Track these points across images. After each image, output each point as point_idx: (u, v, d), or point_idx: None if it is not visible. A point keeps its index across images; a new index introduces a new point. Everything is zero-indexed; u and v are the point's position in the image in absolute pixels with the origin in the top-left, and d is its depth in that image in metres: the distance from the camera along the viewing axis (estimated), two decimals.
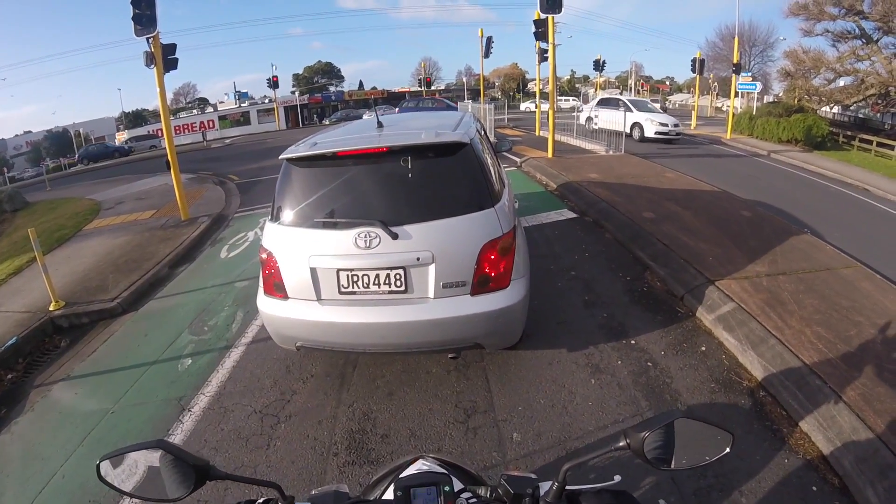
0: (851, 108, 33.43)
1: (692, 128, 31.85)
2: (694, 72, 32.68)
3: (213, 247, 9.01)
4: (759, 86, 34.23)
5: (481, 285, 3.53)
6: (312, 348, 3.94)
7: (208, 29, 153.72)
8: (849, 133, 29.18)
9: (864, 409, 3.50)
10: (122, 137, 59.83)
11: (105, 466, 1.22)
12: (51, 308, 6.85)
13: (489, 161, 4.46)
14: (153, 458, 1.18)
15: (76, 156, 48.56)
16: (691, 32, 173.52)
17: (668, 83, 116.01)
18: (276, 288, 3.83)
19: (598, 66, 45.31)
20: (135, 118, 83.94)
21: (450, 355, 4.08)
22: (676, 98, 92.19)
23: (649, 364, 4.30)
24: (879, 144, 26.26)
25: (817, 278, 5.82)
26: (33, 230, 7.06)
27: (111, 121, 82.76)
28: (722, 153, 20.95)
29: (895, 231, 11.35)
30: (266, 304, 3.91)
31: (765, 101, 37.95)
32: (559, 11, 13.63)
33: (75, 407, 4.75)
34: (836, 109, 35.47)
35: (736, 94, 32.07)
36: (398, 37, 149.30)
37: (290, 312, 3.75)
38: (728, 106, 33.46)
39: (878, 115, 36.47)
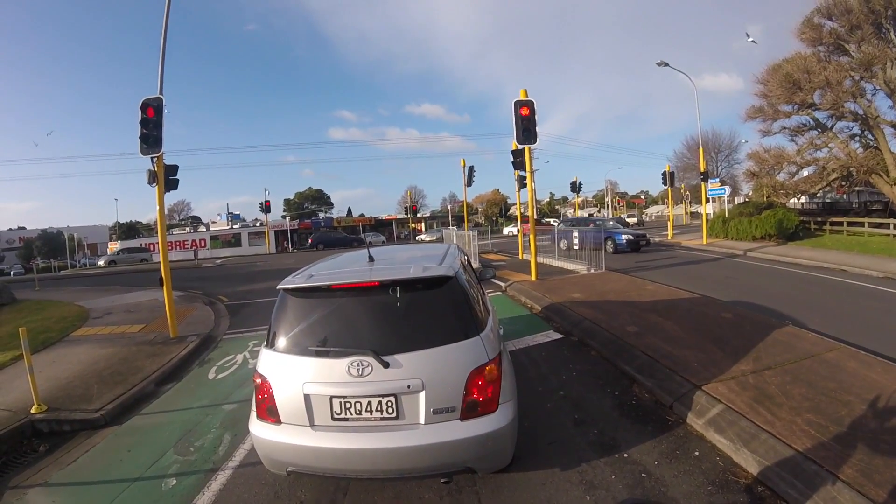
0: (818, 194, 34.84)
1: (669, 237, 33.52)
2: (665, 184, 34.90)
3: (202, 367, 9.08)
4: (727, 189, 36.59)
5: (470, 410, 3.74)
6: (303, 473, 4.03)
7: (206, 151, 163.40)
8: (819, 219, 30.80)
9: (864, 483, 3.68)
10: (113, 247, 60.51)
11: None
12: (32, 410, 6.86)
13: (474, 291, 4.83)
14: None
15: (309, 240, 51.27)
16: (661, 146, 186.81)
17: (643, 197, 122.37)
18: (270, 413, 4.01)
19: (575, 187, 48.21)
20: (128, 230, 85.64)
21: (442, 480, 4.19)
22: (652, 210, 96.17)
23: (644, 475, 4.38)
24: (850, 224, 27.84)
25: (802, 367, 6.13)
26: (24, 329, 7.20)
27: (105, 229, 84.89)
28: (699, 258, 21.67)
29: (876, 304, 11.56)
30: (258, 429, 4.06)
31: (735, 203, 40.12)
32: (535, 142, 14.73)
33: None
34: (804, 199, 37.10)
35: (707, 200, 34.03)
36: (385, 166, 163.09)
37: (283, 437, 3.89)
38: (702, 212, 35.13)
39: (845, 196, 38.43)
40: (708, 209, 34.82)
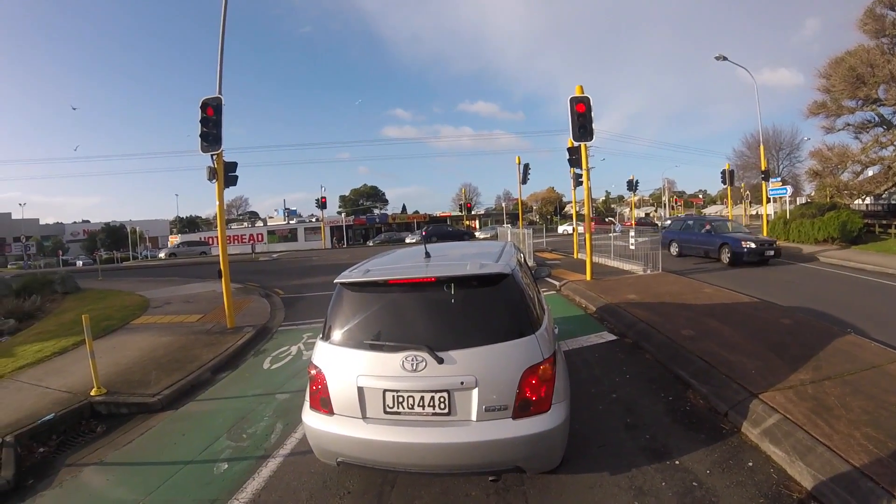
0: (884, 195, 32.67)
1: None
2: (725, 183, 33.50)
3: (256, 357, 9.28)
4: (789, 189, 34.49)
5: (522, 409, 3.70)
6: (353, 464, 4.05)
7: (264, 149, 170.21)
8: (884, 222, 28.72)
9: None
10: (174, 240, 63.20)
11: None
12: (91, 393, 7.16)
13: (529, 289, 4.78)
14: None
15: (423, 232, 52.53)
16: (719, 144, 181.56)
17: (701, 196, 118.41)
18: (323, 404, 4.06)
19: (632, 185, 46.94)
20: (188, 223, 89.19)
21: (490, 478, 4.18)
22: (711, 210, 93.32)
23: (695, 484, 4.21)
24: None
25: (863, 378, 5.80)
26: (86, 316, 7.55)
27: (165, 223, 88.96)
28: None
29: None
30: (311, 419, 4.13)
31: (797, 203, 38.09)
32: (591, 139, 14.50)
33: (104, 492, 4.93)
34: (868, 200, 34.87)
35: (768, 200, 32.58)
36: (439, 163, 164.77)
37: (335, 428, 3.94)
38: (762, 213, 33.56)
39: None
40: (769, 210, 33.43)
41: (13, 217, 75.45)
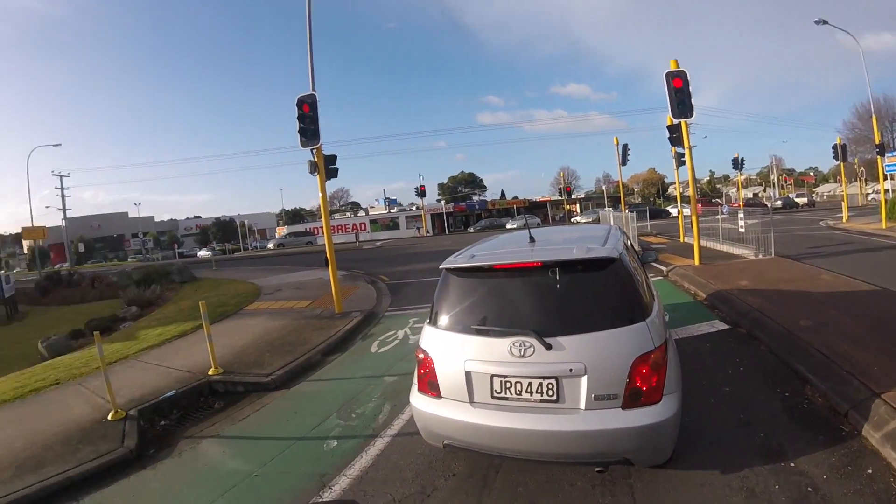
0: None
1: (844, 221, 29.10)
2: (837, 159, 30.32)
3: (364, 341, 9.70)
4: None
5: (633, 399, 3.63)
6: (459, 448, 4.16)
7: (362, 141, 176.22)
8: None
9: None
10: (281, 232, 67.18)
11: None
12: (210, 372, 7.85)
13: (638, 273, 4.68)
14: None
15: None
16: (828, 116, 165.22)
17: (812, 174, 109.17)
18: (431, 387, 4.20)
19: (737, 164, 44.20)
20: (293, 215, 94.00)
21: (597, 469, 4.11)
22: (823, 189, 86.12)
23: (810, 489, 3.95)
24: None
25: None
26: (204, 303, 8.30)
27: (272, 216, 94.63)
28: (879, 245, 18.66)
29: None
30: (419, 401, 4.28)
31: None
32: (691, 115, 13.67)
33: (221, 463, 5.44)
34: None
35: (885, 177, 29.47)
36: (535, 148, 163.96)
37: (442, 411, 4.06)
38: (879, 191, 30.39)
39: None
40: (886, 187, 30.04)
41: (130, 216, 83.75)
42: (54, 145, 59.88)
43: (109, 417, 6.43)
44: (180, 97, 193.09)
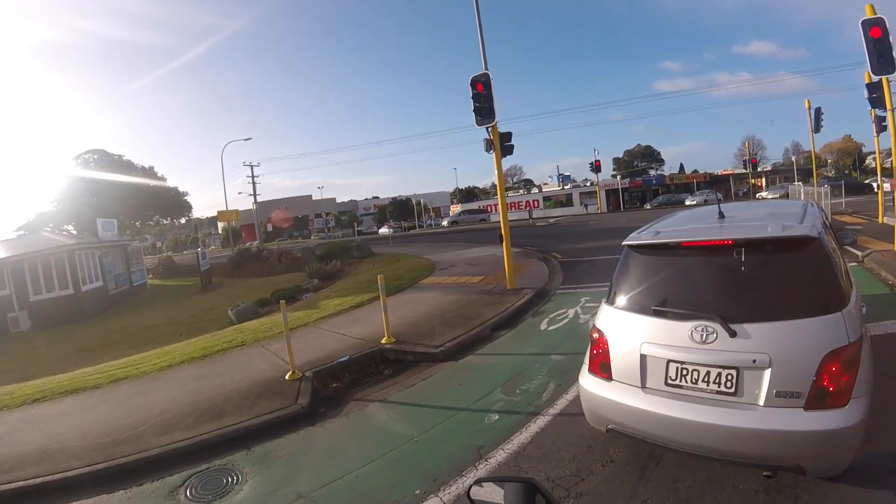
0: None
1: None
2: None
3: (534, 318, 9.63)
4: None
5: (817, 400, 3.24)
6: (622, 433, 3.96)
7: (535, 117, 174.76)
8: None
9: None
10: (455, 210, 69.15)
11: (475, 490, 1.50)
12: (382, 341, 8.25)
13: (837, 257, 4.19)
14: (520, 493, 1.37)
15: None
16: None
17: None
18: (602, 368, 4.02)
19: None
20: (467, 194, 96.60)
21: (764, 473, 3.74)
22: None
23: None
24: None
25: None
26: (381, 276, 8.72)
27: (446, 195, 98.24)
28: None
29: None
30: (588, 382, 4.12)
31: None
32: (893, 70, 11.66)
33: (385, 425, 5.72)
34: None
35: None
36: (718, 115, 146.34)
37: (612, 394, 3.88)
38: None
39: None
40: None
41: (314, 198, 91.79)
42: (245, 139, 65.73)
43: (287, 377, 7.01)
44: (358, 87, 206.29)
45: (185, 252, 70.35)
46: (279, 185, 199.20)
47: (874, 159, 34.35)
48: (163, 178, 60.12)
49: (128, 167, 54.78)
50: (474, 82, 11.75)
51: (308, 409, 6.19)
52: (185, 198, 63.11)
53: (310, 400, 6.34)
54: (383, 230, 58.98)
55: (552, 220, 45.22)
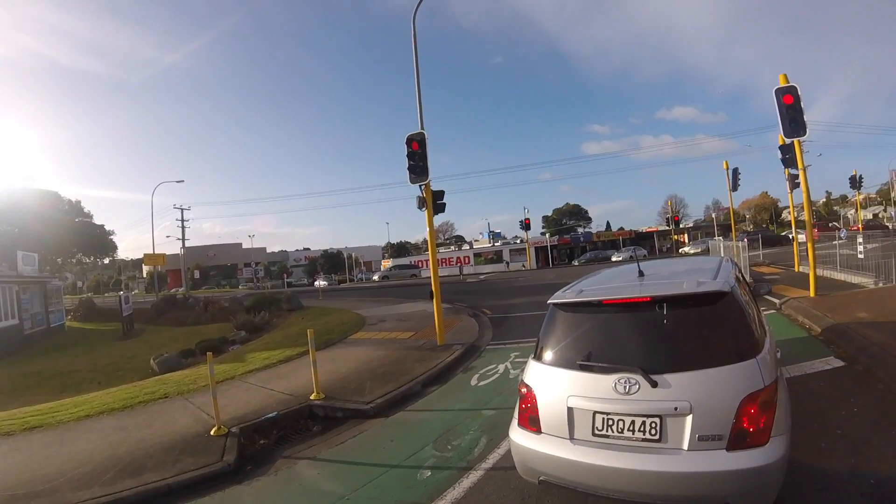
0: None
1: None
2: None
3: (465, 373, 9.68)
4: None
5: (738, 441, 3.45)
6: (554, 485, 4.05)
7: (467, 175, 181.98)
8: None
9: None
10: (386, 264, 69.69)
11: None
12: (311, 397, 8.13)
13: (750, 308, 4.50)
14: None
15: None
16: None
17: None
18: (531, 422, 4.14)
19: (855, 182, 41.09)
20: (398, 248, 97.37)
21: None
22: None
23: None
24: None
25: None
26: (311, 330, 8.64)
27: (378, 249, 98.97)
28: None
29: None
30: (518, 436, 4.22)
31: None
32: (804, 134, 12.82)
33: (314, 484, 5.62)
34: None
35: None
36: (641, 176, 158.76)
37: (542, 447, 3.98)
38: None
39: None
40: None
41: (244, 246, 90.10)
42: (177, 181, 64.42)
43: (212, 432, 6.81)
44: (293, 138, 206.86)
45: (106, 294, 67.84)
46: (209, 230, 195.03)
47: (789, 213, 36.62)
48: (89, 215, 57.73)
49: (55, 199, 52.45)
50: (410, 141, 12.03)
51: (234, 466, 6.03)
52: (111, 237, 60.53)
53: (236, 457, 6.17)
54: (320, 283, 58.72)
55: (482, 277, 45.79)
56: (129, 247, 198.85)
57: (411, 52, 12.70)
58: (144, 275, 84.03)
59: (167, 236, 56.68)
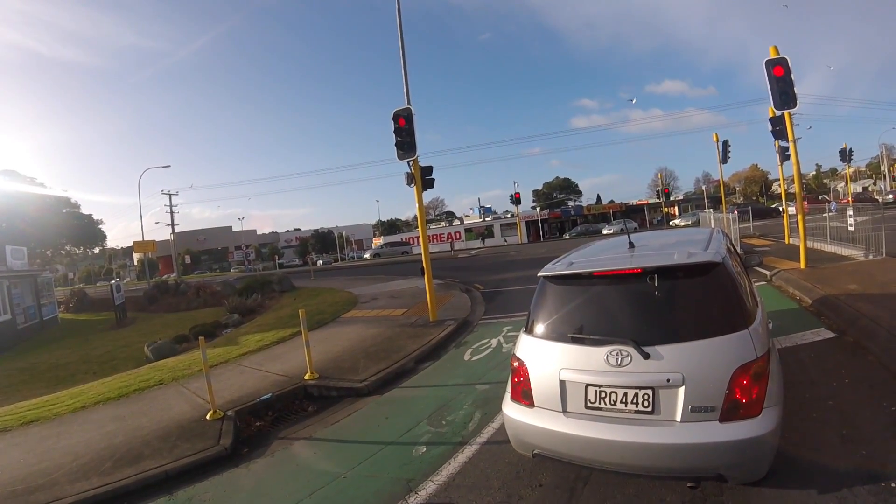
0: None
1: None
2: None
3: (458, 349, 9.75)
4: None
5: (731, 412, 3.48)
6: (548, 458, 4.09)
7: (457, 150, 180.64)
8: None
9: None
10: (377, 242, 69.56)
11: None
12: (305, 377, 8.15)
13: (741, 279, 4.49)
14: None
15: None
16: None
17: None
18: (524, 395, 4.16)
19: (845, 155, 41.47)
20: (389, 226, 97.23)
21: (689, 484, 3.96)
22: None
23: None
24: None
25: None
26: (303, 310, 8.63)
27: (369, 227, 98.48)
28: None
29: None
30: (512, 410, 4.25)
31: None
32: (794, 105, 12.74)
33: (311, 464, 5.66)
34: None
35: None
36: (631, 149, 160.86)
37: (534, 420, 4.01)
38: None
39: None
40: None
41: (234, 229, 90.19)
42: (164, 167, 64.04)
43: (208, 417, 6.83)
44: (281, 118, 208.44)
45: (98, 284, 67.36)
46: (198, 215, 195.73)
47: (779, 185, 36.69)
48: (76, 205, 57.48)
49: (40, 192, 51.88)
50: (396, 117, 11.95)
51: (231, 449, 6.04)
52: (100, 226, 60.43)
53: (232, 440, 6.19)
54: (320, 262, 58.85)
55: (474, 252, 45.88)
56: (119, 235, 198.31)
57: (396, 28, 12.54)
58: (135, 262, 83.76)
59: (156, 223, 56.39)
